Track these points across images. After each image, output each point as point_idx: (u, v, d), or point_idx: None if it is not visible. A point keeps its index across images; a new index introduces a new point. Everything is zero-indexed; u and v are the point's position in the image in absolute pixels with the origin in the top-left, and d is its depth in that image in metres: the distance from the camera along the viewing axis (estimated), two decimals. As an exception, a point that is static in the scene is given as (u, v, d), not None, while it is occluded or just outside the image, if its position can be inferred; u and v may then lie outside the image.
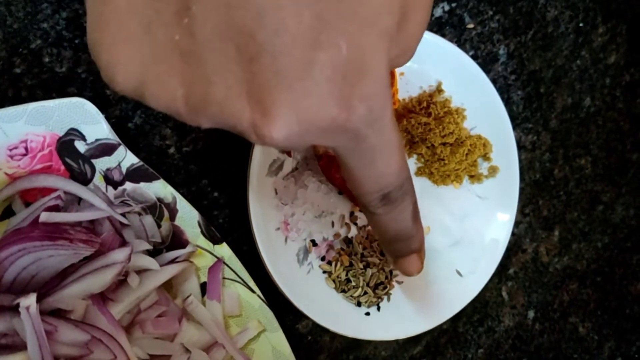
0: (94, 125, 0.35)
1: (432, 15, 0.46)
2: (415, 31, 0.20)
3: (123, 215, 0.36)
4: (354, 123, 0.19)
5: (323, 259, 0.42)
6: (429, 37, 0.42)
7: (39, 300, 0.31)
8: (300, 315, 0.44)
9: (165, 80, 0.18)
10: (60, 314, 0.33)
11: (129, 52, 0.18)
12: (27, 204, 0.36)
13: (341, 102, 0.18)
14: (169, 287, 0.38)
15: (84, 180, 0.36)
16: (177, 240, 0.38)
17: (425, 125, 0.43)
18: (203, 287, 0.39)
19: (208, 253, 0.38)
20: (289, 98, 0.17)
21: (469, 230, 0.45)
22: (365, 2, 0.17)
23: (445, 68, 0.43)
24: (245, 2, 0.16)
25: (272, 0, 0.16)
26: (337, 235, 0.43)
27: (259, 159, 0.38)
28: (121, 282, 0.35)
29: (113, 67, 0.18)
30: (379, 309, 0.43)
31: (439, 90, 0.44)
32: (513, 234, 0.49)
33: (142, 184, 0.37)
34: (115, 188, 0.37)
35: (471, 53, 0.48)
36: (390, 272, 0.44)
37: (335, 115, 0.18)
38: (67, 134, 0.35)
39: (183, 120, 0.19)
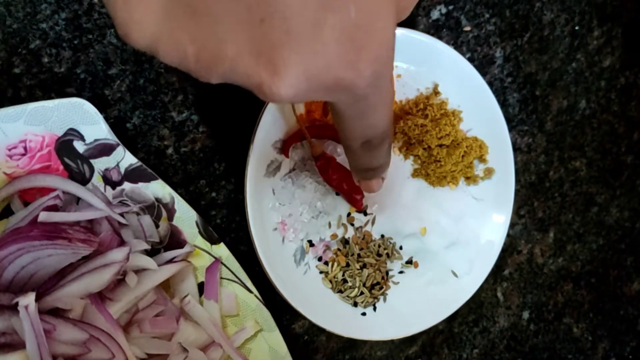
0: (93, 125, 0.35)
1: (429, 18, 0.47)
2: None
3: (121, 215, 0.36)
4: (359, 83, 0.20)
5: (320, 259, 0.43)
6: (426, 40, 0.42)
7: (37, 299, 0.31)
8: (296, 315, 0.44)
9: (177, 38, 0.18)
10: (58, 313, 0.33)
11: (143, 11, 0.18)
12: (26, 204, 0.36)
13: (349, 64, 0.19)
14: (166, 287, 0.39)
15: (83, 180, 0.36)
16: (175, 240, 0.38)
17: (422, 127, 0.43)
18: (201, 286, 0.39)
19: (206, 253, 0.39)
20: (298, 58, 0.18)
21: (465, 232, 0.45)
22: None
23: (442, 70, 0.43)
24: None
25: None
26: (334, 235, 0.43)
27: (257, 159, 0.38)
28: (119, 281, 0.35)
29: (128, 24, 0.19)
30: (375, 309, 0.43)
31: (435, 92, 0.44)
32: (508, 235, 0.49)
33: (140, 184, 0.37)
34: (113, 188, 0.37)
35: (468, 55, 0.48)
36: (387, 272, 0.44)
37: (342, 76, 0.19)
38: (66, 134, 0.35)
39: (194, 75, 0.19)
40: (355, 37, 0.18)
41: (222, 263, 0.39)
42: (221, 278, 0.39)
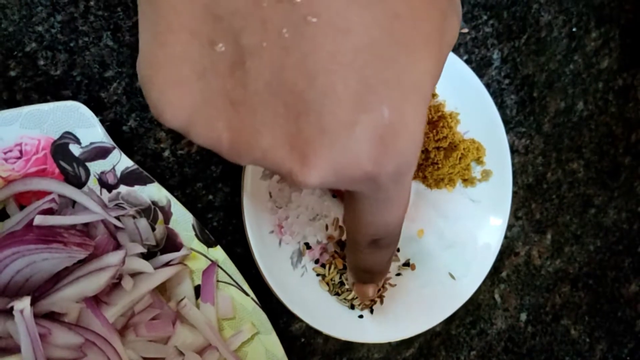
0: (89, 128, 0.35)
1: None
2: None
3: (117, 218, 0.36)
4: (381, 177, 0.20)
5: (317, 261, 0.43)
6: (423, 42, 0.42)
7: (32, 304, 0.31)
8: (293, 318, 0.44)
9: (213, 123, 0.19)
10: (54, 317, 0.33)
11: (180, 95, 0.19)
12: (22, 207, 0.36)
13: (375, 159, 0.19)
14: (162, 290, 0.38)
15: (79, 183, 0.36)
16: (171, 243, 0.38)
17: (419, 130, 0.43)
18: (197, 290, 0.39)
19: (202, 256, 0.39)
20: (329, 153, 0.19)
21: (462, 234, 0.45)
22: (410, 70, 0.19)
23: (439, 72, 0.43)
24: (298, 64, 0.17)
25: (324, 64, 0.17)
26: (330, 238, 0.43)
27: (253, 162, 0.38)
28: (115, 285, 0.35)
29: (163, 105, 0.19)
30: (372, 311, 0.43)
31: (432, 94, 0.44)
32: (506, 237, 0.50)
33: (136, 187, 0.37)
34: (109, 191, 0.37)
35: (465, 57, 0.48)
36: (384, 275, 0.44)
37: (368, 170, 0.20)
38: (61, 137, 0.35)
39: (223, 156, 0.20)
40: (385, 135, 0.19)
41: (218, 266, 0.39)
42: (218, 281, 0.39)
